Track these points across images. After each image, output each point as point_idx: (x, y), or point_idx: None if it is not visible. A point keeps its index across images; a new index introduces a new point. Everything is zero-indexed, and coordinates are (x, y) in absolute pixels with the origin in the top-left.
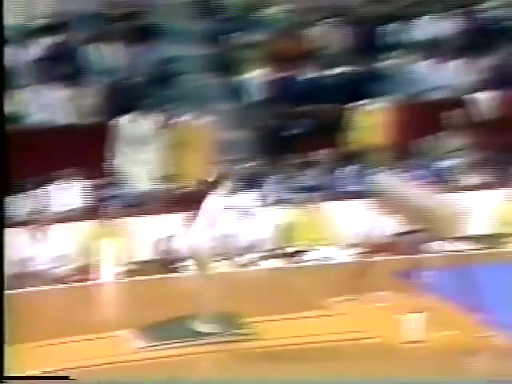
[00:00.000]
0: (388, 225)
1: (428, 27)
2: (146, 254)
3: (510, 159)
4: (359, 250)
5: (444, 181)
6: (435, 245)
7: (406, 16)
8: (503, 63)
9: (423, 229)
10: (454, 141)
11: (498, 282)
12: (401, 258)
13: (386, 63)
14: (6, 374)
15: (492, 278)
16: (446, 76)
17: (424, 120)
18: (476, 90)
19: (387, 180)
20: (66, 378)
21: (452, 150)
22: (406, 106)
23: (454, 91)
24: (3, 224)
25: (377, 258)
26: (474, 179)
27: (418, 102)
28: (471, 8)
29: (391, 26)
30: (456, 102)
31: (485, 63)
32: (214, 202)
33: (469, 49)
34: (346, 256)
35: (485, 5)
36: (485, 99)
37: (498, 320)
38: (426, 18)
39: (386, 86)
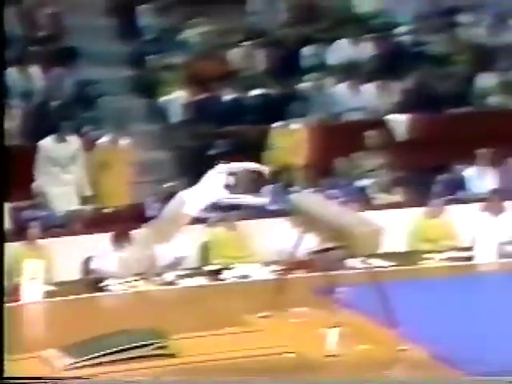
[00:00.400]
0: (307, 242)
1: (345, 50)
2: (70, 274)
3: (424, 179)
4: (279, 267)
5: (361, 199)
6: (353, 262)
7: (324, 39)
8: (416, 87)
9: (341, 246)
10: (371, 160)
11: (413, 297)
12: (319, 274)
13: (305, 85)
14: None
15: (407, 294)
16: (362, 98)
17: (342, 140)
18: (391, 112)
19: (306, 198)
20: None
21: (369, 169)
22: (325, 127)
23: (370, 113)
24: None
25: (296, 274)
26: (391, 198)
27: (336, 122)
28: (386, 33)
29: (310, 49)
30: (373, 124)
31: (399, 86)
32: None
33: (384, 72)
34: (265, 273)
35: (398, 30)
36: (400, 121)
37: (412, 334)
38: (343, 41)
39: (305, 107)
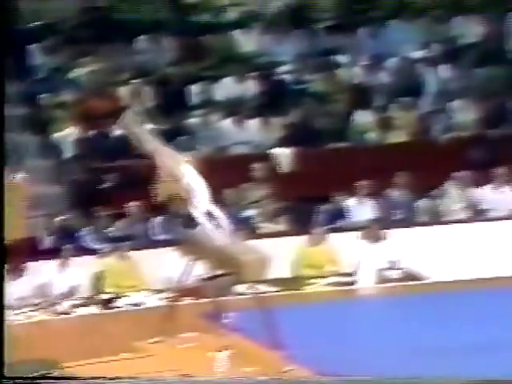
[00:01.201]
0: (196, 270)
1: (230, 88)
2: None
3: (307, 208)
4: (169, 294)
5: (248, 228)
6: (240, 288)
7: (210, 77)
8: (298, 122)
9: (229, 273)
10: (256, 191)
11: (298, 321)
12: (208, 300)
13: (193, 120)
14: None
15: (292, 318)
16: (247, 133)
17: (229, 173)
18: (275, 146)
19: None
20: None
21: (255, 200)
22: (212, 160)
23: (255, 147)
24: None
25: (185, 301)
26: (275, 227)
27: (223, 156)
28: (268, 71)
29: (197, 86)
30: (258, 157)
31: (282, 122)
32: None
33: (267, 108)
34: (156, 300)
35: (280, 69)
36: (283, 154)
37: (297, 356)
38: (228, 79)
39: (192, 141)
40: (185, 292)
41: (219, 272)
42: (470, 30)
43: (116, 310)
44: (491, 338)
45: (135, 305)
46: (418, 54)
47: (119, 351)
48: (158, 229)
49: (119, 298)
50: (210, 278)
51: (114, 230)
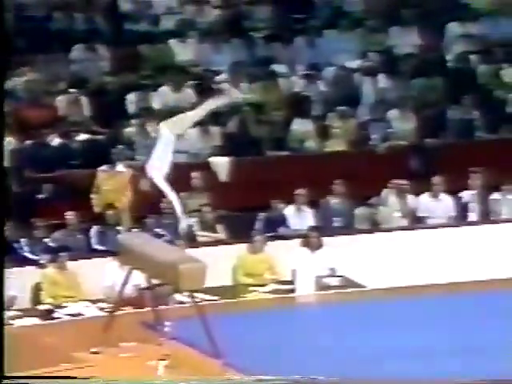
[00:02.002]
0: (134, 280)
1: (168, 96)
2: None
3: (246, 217)
4: (107, 304)
5: (186, 237)
6: (179, 297)
7: (148, 86)
8: (237, 131)
9: (168, 282)
10: (195, 200)
11: (237, 329)
12: (147, 310)
13: (130, 129)
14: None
15: (231, 326)
16: (186, 141)
17: (168, 181)
18: (214, 155)
19: (132, 238)
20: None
21: (194, 208)
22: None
23: (194, 156)
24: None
25: (125, 311)
26: (214, 235)
27: None
28: (206, 81)
29: (134, 95)
30: (197, 166)
31: (220, 130)
32: None
33: (205, 117)
34: (95, 310)
35: (218, 78)
36: (222, 163)
37: (236, 363)
38: (165, 88)
39: (128, 150)
40: (124, 302)
41: (158, 281)
42: (407, 40)
43: (55, 320)
44: (428, 344)
45: (74, 315)
46: (355, 63)
47: (59, 362)
48: (96, 239)
49: (58, 308)
50: (148, 288)
51: (51, 240)
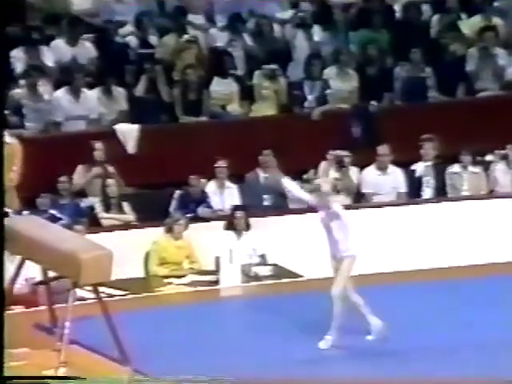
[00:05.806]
0: (27, 273)
1: (62, 52)
2: None
3: (160, 195)
4: None
5: (88, 220)
6: (80, 292)
7: (37, 40)
8: (145, 94)
9: (66, 275)
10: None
11: (149, 329)
12: (42, 309)
13: (18, 91)
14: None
15: (143, 326)
16: (85, 105)
17: (65, 153)
18: (119, 122)
19: (22, 222)
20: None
21: (96, 186)
22: (44, 138)
23: (95, 122)
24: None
25: (14, 310)
26: (121, 217)
27: (56, 133)
28: (108, 33)
29: (21, 50)
30: (99, 134)
31: (126, 92)
32: None
33: (108, 76)
34: None
35: (122, 31)
36: (129, 132)
37: (145, 369)
38: (59, 41)
39: (19, 116)
40: (13, 299)
41: (55, 274)
42: None
43: None
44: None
45: None
46: (285, 13)
47: None
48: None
49: None
50: (44, 282)
51: None
